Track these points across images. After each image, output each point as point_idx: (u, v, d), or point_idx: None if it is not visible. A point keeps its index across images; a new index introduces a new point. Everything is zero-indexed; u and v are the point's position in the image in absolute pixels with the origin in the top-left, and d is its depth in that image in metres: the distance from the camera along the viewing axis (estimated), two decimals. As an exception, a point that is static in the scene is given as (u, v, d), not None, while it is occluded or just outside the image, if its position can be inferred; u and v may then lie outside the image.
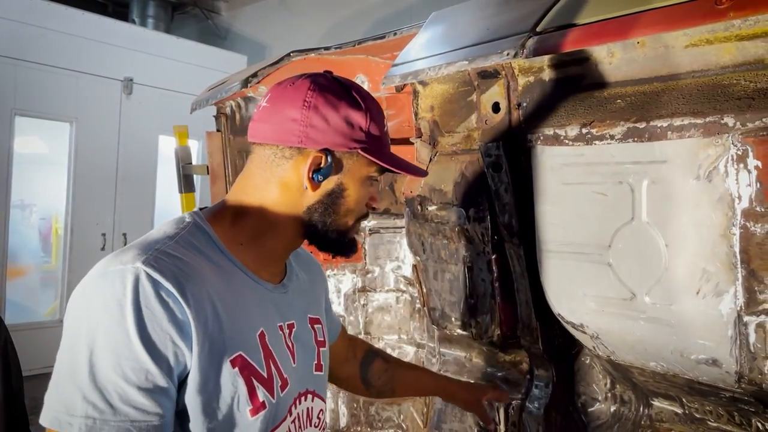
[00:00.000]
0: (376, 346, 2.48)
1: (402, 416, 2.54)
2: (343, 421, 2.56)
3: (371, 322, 2.48)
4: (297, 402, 1.04)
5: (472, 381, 1.78)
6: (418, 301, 2.31)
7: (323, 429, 1.13)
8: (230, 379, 0.91)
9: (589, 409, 1.62)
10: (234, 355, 0.92)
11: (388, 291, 2.46)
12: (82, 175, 5.83)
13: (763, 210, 1.09)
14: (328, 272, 2.47)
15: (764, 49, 1.11)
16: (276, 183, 1.00)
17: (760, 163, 1.08)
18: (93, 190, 5.89)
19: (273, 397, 0.97)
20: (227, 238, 1.00)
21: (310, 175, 0.99)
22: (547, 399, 1.62)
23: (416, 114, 1.83)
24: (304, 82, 1.00)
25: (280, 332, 1.03)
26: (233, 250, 0.99)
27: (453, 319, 1.79)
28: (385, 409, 2.55)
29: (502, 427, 1.70)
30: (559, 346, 1.61)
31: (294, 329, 1.07)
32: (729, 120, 1.10)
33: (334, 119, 0.98)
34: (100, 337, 0.83)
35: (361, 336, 2.48)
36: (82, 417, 0.82)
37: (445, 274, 1.78)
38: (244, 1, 8.09)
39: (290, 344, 1.05)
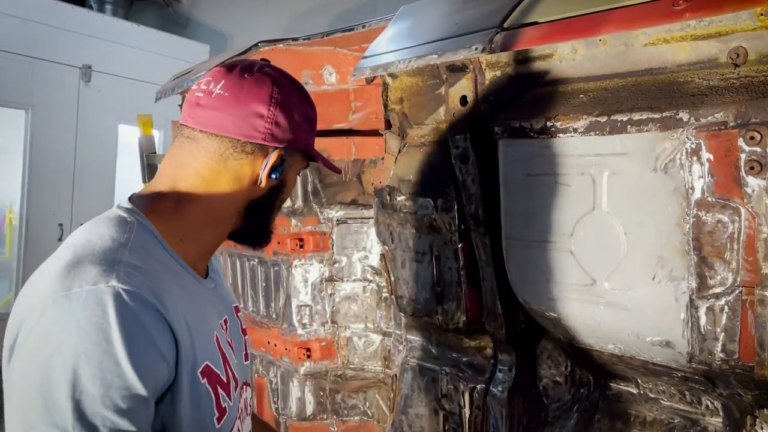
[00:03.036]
0: (343, 335, 2.53)
1: (368, 403, 2.58)
2: (309, 410, 2.58)
3: (338, 312, 2.51)
4: (240, 396, 1.04)
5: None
6: (384, 290, 2.35)
7: (250, 413, 1.14)
8: (201, 391, 0.89)
9: (551, 392, 1.69)
10: (202, 366, 0.90)
11: (355, 281, 2.49)
12: (39, 164, 5.67)
13: (714, 200, 1.16)
14: (294, 262, 2.49)
15: (717, 49, 1.18)
16: (228, 176, 0.96)
17: (712, 156, 1.15)
18: (50, 179, 5.74)
19: (230, 400, 0.97)
20: (168, 233, 0.94)
21: (267, 173, 0.98)
22: (511, 383, 1.68)
23: (386, 106, 1.86)
24: (265, 77, 0.97)
25: (223, 331, 1.02)
26: (176, 246, 0.95)
27: (420, 306, 1.83)
28: (351, 396, 2.59)
29: (467, 410, 1.75)
30: (523, 332, 1.67)
31: (228, 324, 1.05)
32: (684, 115, 1.17)
33: (297, 118, 0.98)
34: (82, 369, 0.75)
35: (328, 325, 2.51)
36: None
37: (413, 262, 1.82)
38: (205, -11, 7.97)
39: (230, 341, 1.03)
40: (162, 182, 0.98)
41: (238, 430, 1.02)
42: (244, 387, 1.07)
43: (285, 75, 1.01)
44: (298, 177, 2.42)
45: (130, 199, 0.99)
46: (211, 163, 0.96)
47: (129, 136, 5.50)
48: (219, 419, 0.92)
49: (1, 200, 5.91)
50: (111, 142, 6.16)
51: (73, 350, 0.75)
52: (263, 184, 0.99)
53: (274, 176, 0.99)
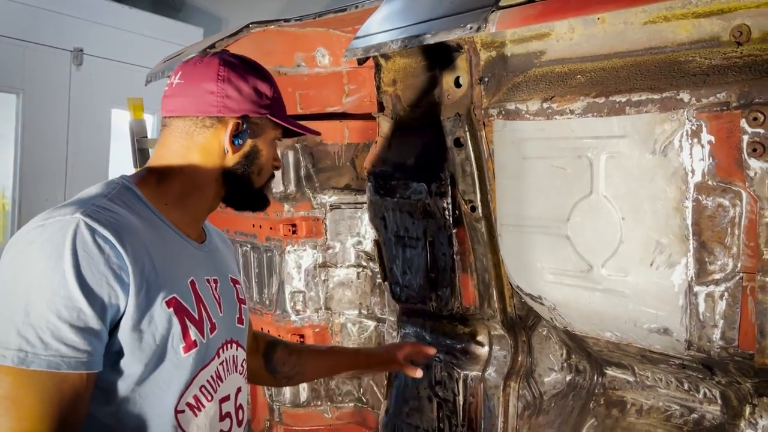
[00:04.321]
0: (337, 321, 2.50)
1: (362, 390, 2.56)
2: (303, 396, 2.57)
3: (332, 298, 2.49)
4: (224, 348, 1.14)
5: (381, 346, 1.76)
6: (378, 276, 2.32)
7: (246, 377, 1.24)
8: (166, 318, 0.99)
9: (546, 379, 1.67)
10: (169, 297, 1.00)
11: (348, 266, 2.47)
12: (31, 149, 5.62)
13: (714, 184, 1.13)
14: (288, 248, 2.46)
15: (719, 27, 1.14)
16: (197, 150, 1.10)
17: (713, 138, 1.11)
18: (42, 164, 5.69)
19: (203, 338, 1.06)
20: (154, 198, 1.08)
21: (231, 140, 1.10)
22: (505, 370, 1.66)
23: (378, 88, 1.82)
24: (213, 59, 1.11)
25: (208, 284, 1.13)
26: (160, 208, 1.08)
27: (413, 293, 1.80)
28: (346, 383, 2.57)
29: (461, 398, 1.73)
30: (517, 318, 1.64)
31: (218, 284, 1.16)
32: (684, 96, 1.13)
33: (246, 89, 1.11)
34: (36, 278, 0.89)
35: (322, 311, 2.49)
36: (15, 350, 0.87)
37: (407, 248, 1.79)
38: (199, -29, 7.85)
39: (217, 296, 1.14)
40: (151, 161, 1.15)
41: (218, 374, 1.11)
42: (231, 344, 1.17)
43: (235, 56, 1.14)
44: (290, 158, 2.39)
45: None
46: (181, 141, 1.11)
47: (122, 121, 5.44)
48: (186, 349, 1.02)
49: (-5, 185, 5.87)
50: (104, 127, 6.11)
51: (34, 263, 0.90)
52: (230, 153, 1.11)
53: (237, 142, 1.11)
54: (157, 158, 1.13)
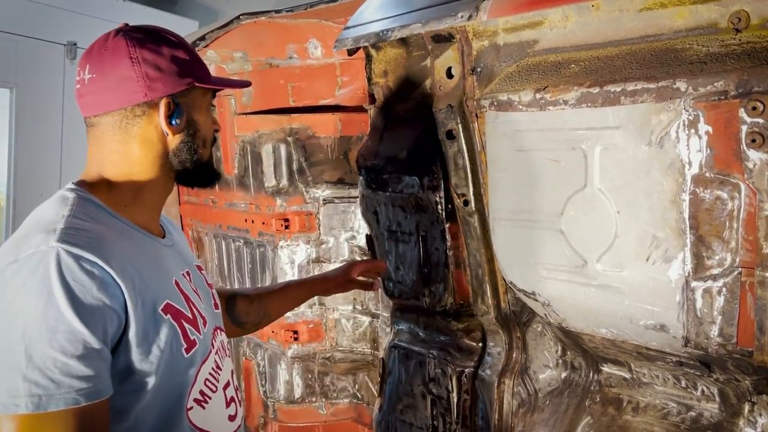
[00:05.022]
0: (331, 317, 2.47)
1: (357, 385, 2.54)
2: (298, 392, 2.55)
3: (326, 293, 2.46)
4: (215, 336, 1.15)
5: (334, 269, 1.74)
6: (372, 271, 2.28)
7: (230, 356, 1.26)
8: (166, 325, 0.99)
9: (541, 376, 1.63)
10: (163, 304, 0.99)
11: (342, 261, 2.43)
12: (25, 144, 5.57)
13: (712, 176, 1.09)
14: (281, 243, 2.43)
15: (717, 13, 1.10)
16: (136, 142, 1.04)
17: (711, 129, 1.07)
18: (37, 159, 5.63)
19: (200, 334, 1.06)
20: (112, 203, 1.04)
21: (168, 122, 1.04)
22: (500, 366, 1.63)
23: (369, 79, 1.78)
24: (119, 41, 1.02)
25: (185, 279, 1.12)
26: (122, 213, 1.04)
27: (406, 288, 1.77)
28: (340, 379, 2.55)
29: (455, 394, 1.70)
30: (512, 314, 1.61)
31: (191, 275, 1.16)
32: (681, 85, 1.09)
33: (164, 64, 1.03)
34: (30, 319, 0.85)
35: (315, 306, 2.45)
36: (26, 396, 0.83)
37: (399, 243, 1.76)
38: (195, -37, 7.78)
39: (194, 288, 1.13)
40: (89, 172, 1.08)
41: (216, 364, 1.12)
42: (217, 331, 1.18)
43: (139, 29, 1.06)
44: (282, 152, 2.35)
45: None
46: (117, 138, 1.04)
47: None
48: (187, 350, 1.02)
49: (-10, 181, 5.82)
50: (99, 121, 6.05)
51: (23, 305, 0.86)
52: (171, 135, 1.06)
53: (174, 123, 1.05)
54: (98, 161, 1.07)
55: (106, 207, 1.02)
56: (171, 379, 1.00)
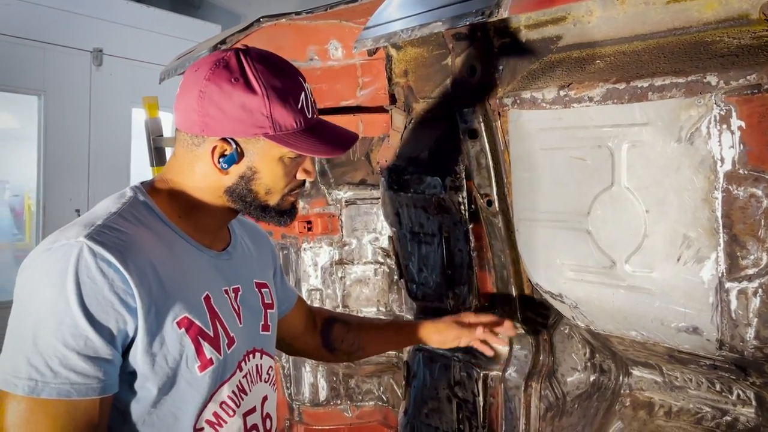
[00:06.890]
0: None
1: (382, 388, 2.52)
2: (323, 395, 2.53)
3: (349, 295, 2.44)
4: (246, 359, 1.12)
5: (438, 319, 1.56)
6: (395, 273, 2.26)
7: (273, 384, 1.20)
8: (177, 339, 0.97)
9: (569, 379, 1.60)
10: (180, 317, 0.98)
11: (365, 263, 2.42)
12: (54, 150, 5.67)
13: (746, 173, 1.05)
14: (303, 245, 2.42)
15: (748, 4, 1.06)
16: (194, 166, 1.05)
17: (743, 124, 1.03)
18: (65, 165, 5.73)
19: (220, 354, 1.03)
20: (167, 210, 1.05)
21: (215, 162, 1.03)
22: (526, 370, 1.60)
23: (390, 79, 1.77)
24: (203, 70, 1.00)
25: (225, 295, 1.09)
26: (174, 220, 1.05)
27: (430, 290, 1.75)
28: (365, 381, 2.53)
29: (480, 398, 1.67)
30: (538, 317, 1.58)
31: (240, 293, 1.13)
32: (712, 79, 1.06)
33: (229, 108, 0.99)
34: (42, 306, 0.89)
35: (339, 309, 2.44)
36: (25, 379, 0.87)
37: (422, 245, 1.74)
38: (217, -32, 7.85)
39: (236, 306, 1.11)
40: (164, 171, 1.11)
41: (241, 387, 1.09)
42: (254, 354, 1.14)
43: (236, 60, 1.00)
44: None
45: (143, 183, 1.11)
46: (185, 155, 1.06)
47: (142, 120, 5.46)
48: (201, 368, 1.00)
49: (20, 187, 5.93)
50: (125, 126, 6.13)
51: (40, 291, 0.90)
52: (226, 173, 1.04)
53: (223, 165, 1.02)
54: (169, 168, 1.10)
55: (160, 212, 1.04)
56: (178, 394, 0.99)
